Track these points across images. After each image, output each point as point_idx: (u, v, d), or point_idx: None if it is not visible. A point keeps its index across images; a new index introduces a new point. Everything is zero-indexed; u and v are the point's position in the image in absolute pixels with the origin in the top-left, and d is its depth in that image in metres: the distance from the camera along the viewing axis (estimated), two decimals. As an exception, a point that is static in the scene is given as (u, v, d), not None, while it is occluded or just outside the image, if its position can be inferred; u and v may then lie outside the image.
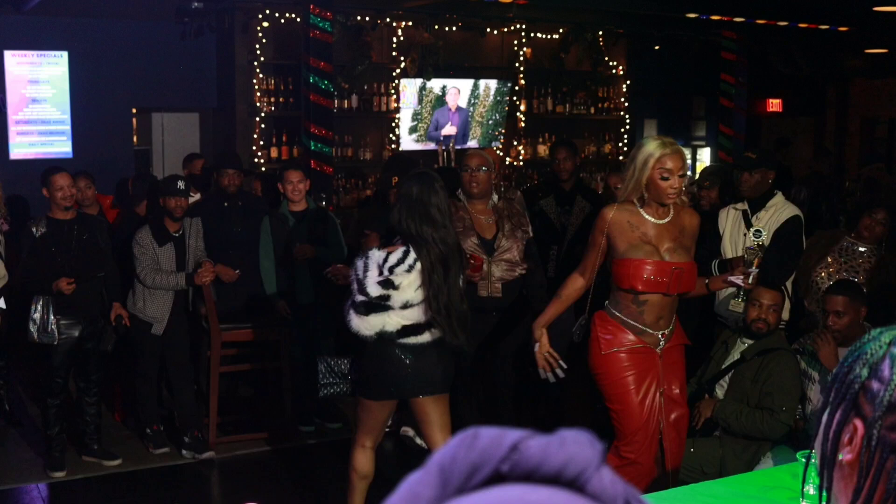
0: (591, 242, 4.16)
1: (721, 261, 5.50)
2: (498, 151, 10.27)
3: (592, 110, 11.06)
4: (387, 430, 4.98)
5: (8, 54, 8.68)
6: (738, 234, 5.50)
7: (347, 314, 4.12)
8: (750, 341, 4.66)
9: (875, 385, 1.30)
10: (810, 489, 2.19)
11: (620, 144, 11.18)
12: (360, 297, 4.07)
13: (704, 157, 12.27)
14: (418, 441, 5.83)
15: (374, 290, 4.04)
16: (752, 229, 4.86)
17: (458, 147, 10.10)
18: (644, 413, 4.03)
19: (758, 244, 4.48)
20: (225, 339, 6.07)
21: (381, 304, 4.06)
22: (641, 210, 4.06)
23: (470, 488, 0.63)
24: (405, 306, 4.09)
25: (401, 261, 4.04)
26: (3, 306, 5.51)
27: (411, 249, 4.06)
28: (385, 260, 4.04)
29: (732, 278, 4.34)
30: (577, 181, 6.65)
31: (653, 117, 12.19)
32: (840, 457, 1.33)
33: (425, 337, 4.17)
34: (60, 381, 5.72)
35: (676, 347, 4.22)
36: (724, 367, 4.70)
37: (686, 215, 4.19)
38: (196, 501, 5.46)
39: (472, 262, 4.99)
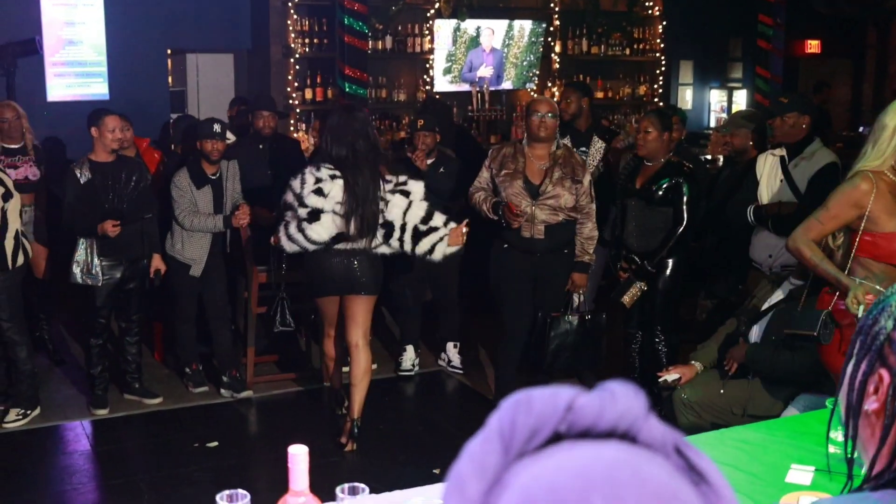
0: (834, 214, 3.82)
1: (757, 206, 5.49)
2: (532, 93, 10.21)
3: (628, 51, 10.95)
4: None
5: (44, -4, 8.70)
6: (774, 180, 5.47)
7: (288, 238, 4.93)
8: (799, 282, 4.65)
9: None
10: (838, 436, 2.23)
11: (656, 86, 11.07)
12: (302, 211, 4.86)
13: (740, 99, 12.13)
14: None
15: (311, 199, 4.85)
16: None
17: (492, 88, 10.06)
18: None
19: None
20: (261, 280, 6.14)
21: (319, 211, 4.85)
22: None
23: (531, 451, 0.65)
24: (335, 213, 4.87)
25: (328, 174, 4.88)
26: None
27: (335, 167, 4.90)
28: (318, 170, 4.89)
29: None
30: (592, 122, 6.69)
31: (689, 59, 12.05)
32: (865, 406, 1.36)
33: (355, 244, 4.97)
34: (103, 321, 5.83)
35: None
36: (767, 307, 4.69)
37: None
38: (234, 440, 5.59)
39: (509, 209, 5.24)
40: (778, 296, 4.69)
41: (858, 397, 1.38)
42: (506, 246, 5.54)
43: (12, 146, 6.35)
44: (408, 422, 5.98)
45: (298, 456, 1.74)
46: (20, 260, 5.59)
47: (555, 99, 10.28)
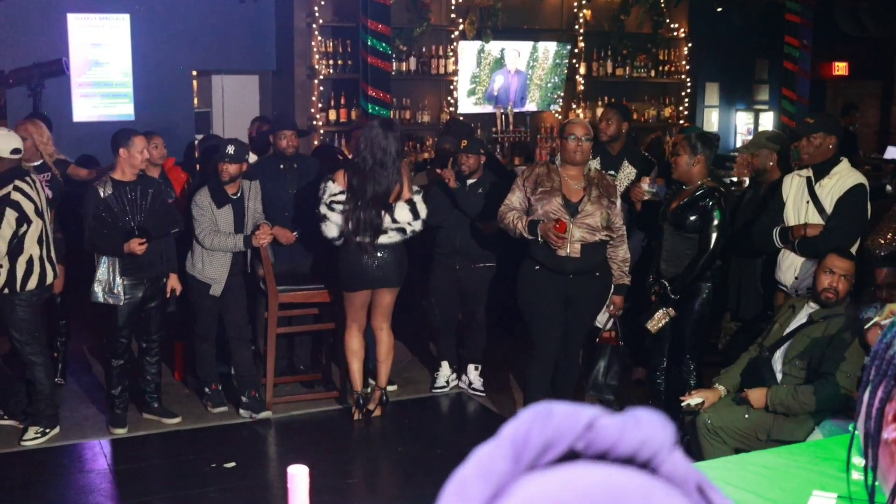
0: None
1: (783, 228, 5.42)
2: (556, 115, 10.19)
3: (653, 73, 10.91)
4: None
5: (71, 17, 8.78)
6: (801, 201, 5.40)
7: (323, 230, 5.75)
8: (816, 306, 4.59)
9: None
10: (860, 461, 2.15)
11: (681, 108, 11.02)
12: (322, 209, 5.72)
13: (767, 121, 12.04)
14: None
15: (323, 207, 5.73)
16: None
17: (516, 110, 10.04)
18: None
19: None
20: (282, 300, 6.12)
21: (327, 213, 5.71)
22: None
23: (542, 464, 0.62)
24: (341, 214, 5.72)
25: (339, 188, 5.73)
26: None
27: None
28: (333, 181, 5.78)
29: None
30: (625, 145, 6.60)
31: (714, 81, 11.98)
32: (885, 435, 1.30)
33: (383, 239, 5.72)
34: (124, 340, 5.81)
35: None
36: (789, 331, 4.62)
37: None
38: (252, 460, 5.55)
39: (556, 225, 5.26)
40: (800, 319, 4.61)
41: (877, 425, 1.32)
42: (537, 267, 5.45)
43: (32, 164, 6.36)
44: (426, 444, 5.92)
45: (297, 476, 1.69)
46: (32, 283, 5.56)
47: (588, 120, 10.28)
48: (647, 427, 0.62)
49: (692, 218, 5.32)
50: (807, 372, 4.41)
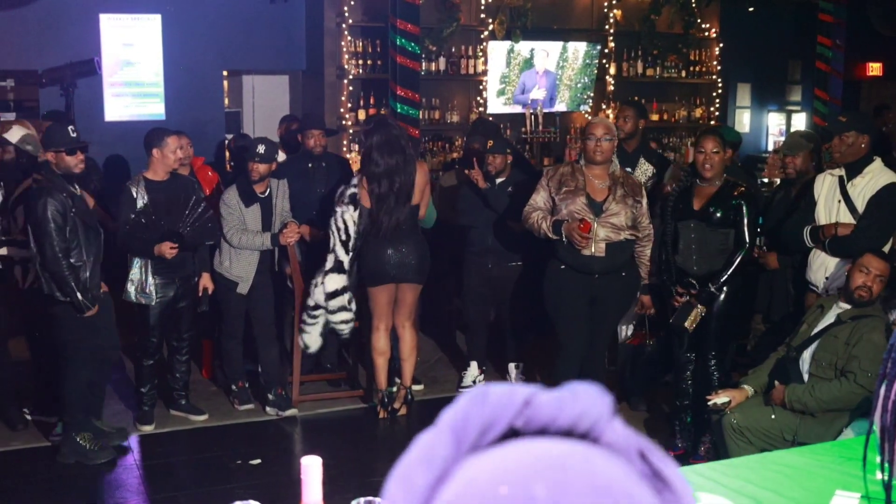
0: None
1: (813, 227, 5.36)
2: (586, 115, 10.14)
3: (684, 74, 10.82)
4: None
5: (103, 17, 8.85)
6: (832, 200, 5.33)
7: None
8: (847, 306, 4.53)
9: None
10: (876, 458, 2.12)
11: (712, 109, 10.93)
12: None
13: (799, 122, 11.90)
14: None
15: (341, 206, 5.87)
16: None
17: (545, 110, 10.00)
18: None
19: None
20: (309, 298, 6.12)
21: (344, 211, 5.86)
22: None
23: (484, 445, 0.63)
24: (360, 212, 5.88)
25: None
26: None
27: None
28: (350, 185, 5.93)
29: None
30: (642, 142, 6.57)
31: (746, 81, 11.87)
32: None
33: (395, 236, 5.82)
34: (155, 340, 5.84)
35: None
36: (817, 331, 4.57)
37: None
38: (278, 458, 5.56)
39: (581, 224, 5.23)
40: (828, 319, 4.56)
41: (893, 419, 1.31)
42: (563, 267, 5.41)
43: None
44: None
45: (311, 467, 1.69)
46: None
47: (610, 118, 10.23)
48: (584, 399, 0.64)
49: (720, 214, 5.21)
50: (833, 372, 4.36)
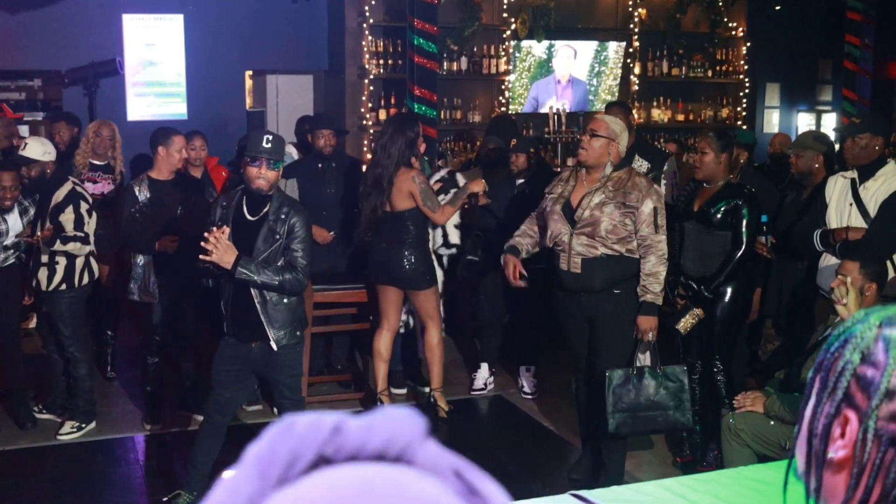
0: None
1: (824, 231, 5.26)
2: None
3: (710, 73, 10.68)
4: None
5: (126, 17, 8.92)
6: (844, 203, 5.23)
7: None
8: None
9: (869, 371, 1.18)
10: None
11: (739, 109, 10.78)
12: None
13: (829, 123, 11.71)
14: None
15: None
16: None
17: (569, 111, 9.92)
18: None
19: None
20: (317, 299, 6.12)
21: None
22: None
23: (293, 477, 0.61)
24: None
25: None
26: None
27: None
28: None
29: None
30: (635, 140, 6.35)
31: (775, 81, 11.70)
32: (830, 454, 1.22)
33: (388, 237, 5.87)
34: (159, 338, 5.87)
35: None
36: (818, 340, 4.48)
37: None
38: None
39: (508, 267, 5.08)
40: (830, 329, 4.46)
41: (822, 444, 1.24)
42: (554, 281, 5.07)
43: (98, 162, 6.56)
44: (458, 447, 5.85)
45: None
46: (86, 278, 5.68)
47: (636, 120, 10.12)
48: (394, 422, 0.63)
49: (719, 216, 5.10)
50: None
